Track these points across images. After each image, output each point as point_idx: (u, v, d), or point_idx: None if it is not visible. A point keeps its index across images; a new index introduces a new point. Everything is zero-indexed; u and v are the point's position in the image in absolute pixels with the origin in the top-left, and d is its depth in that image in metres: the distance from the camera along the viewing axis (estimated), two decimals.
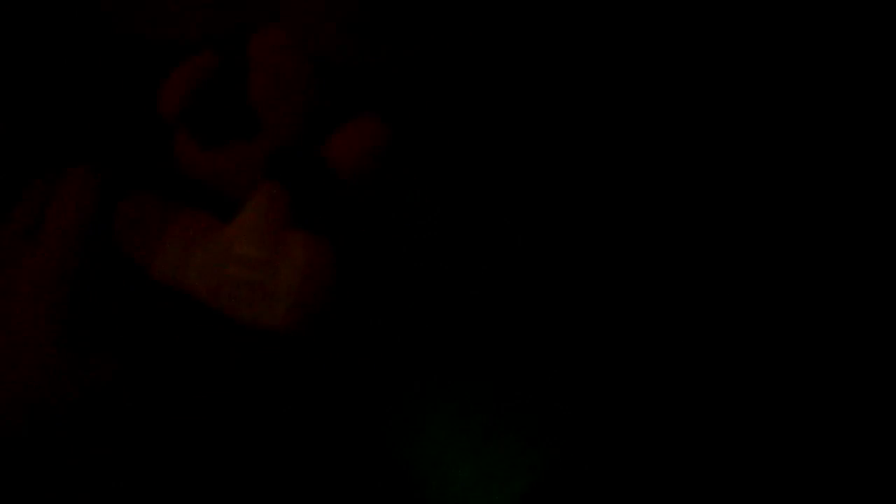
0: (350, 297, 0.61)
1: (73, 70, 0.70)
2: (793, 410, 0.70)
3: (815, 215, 0.71)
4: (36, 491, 0.57)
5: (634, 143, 0.72)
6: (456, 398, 0.67)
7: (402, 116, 0.63)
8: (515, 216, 0.70)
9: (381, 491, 0.66)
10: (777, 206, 0.71)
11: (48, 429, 0.55)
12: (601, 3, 0.71)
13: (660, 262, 0.71)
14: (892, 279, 0.70)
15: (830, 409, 0.70)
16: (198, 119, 0.62)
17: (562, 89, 0.71)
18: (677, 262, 0.71)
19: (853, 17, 0.71)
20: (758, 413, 0.70)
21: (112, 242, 0.60)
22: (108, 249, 0.60)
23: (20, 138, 0.69)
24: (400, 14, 0.62)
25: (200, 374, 0.63)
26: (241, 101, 0.62)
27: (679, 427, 0.69)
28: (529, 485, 0.67)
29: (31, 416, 0.55)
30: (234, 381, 0.64)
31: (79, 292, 0.57)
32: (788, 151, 0.71)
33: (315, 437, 0.66)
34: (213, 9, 0.66)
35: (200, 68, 0.61)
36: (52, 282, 0.56)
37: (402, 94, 0.64)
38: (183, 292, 0.60)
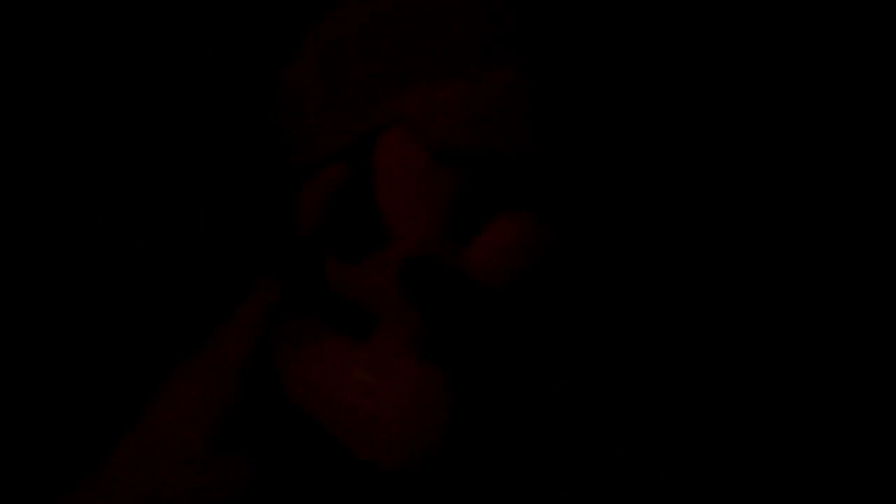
0: (466, 438, 0.57)
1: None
2: (793, 410, 0.69)
3: (815, 215, 0.71)
4: None
5: (635, 144, 0.71)
6: None
7: (557, 212, 0.60)
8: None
9: None
10: (777, 206, 0.71)
11: None
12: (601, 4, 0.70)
13: (660, 263, 0.70)
14: (893, 279, 0.70)
15: (830, 409, 0.70)
16: (336, 233, 0.60)
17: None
18: (677, 262, 0.70)
19: (853, 17, 0.70)
20: (758, 413, 0.69)
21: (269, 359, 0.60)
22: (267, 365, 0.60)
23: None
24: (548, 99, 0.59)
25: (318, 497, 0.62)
26: (372, 211, 0.60)
27: (679, 427, 0.69)
28: None
29: None
30: None
31: (238, 403, 0.58)
32: (788, 151, 0.71)
33: None
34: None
35: (331, 179, 0.60)
36: (216, 390, 0.58)
37: (557, 187, 0.61)
38: (312, 417, 0.58)
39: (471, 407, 0.57)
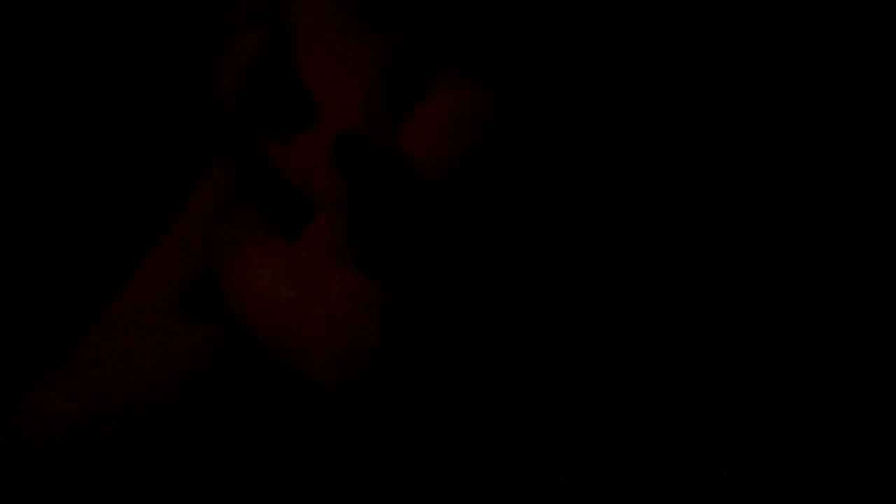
0: (402, 352, 0.53)
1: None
2: (793, 410, 0.69)
3: (815, 215, 0.70)
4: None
5: (635, 144, 0.69)
6: None
7: (502, 79, 0.55)
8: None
9: None
10: (777, 206, 0.70)
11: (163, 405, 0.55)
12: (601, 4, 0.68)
13: (660, 263, 0.69)
14: (893, 279, 0.70)
15: (830, 409, 0.69)
16: (259, 110, 0.54)
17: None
18: (678, 262, 0.69)
19: (853, 18, 0.69)
20: (758, 413, 0.68)
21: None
22: None
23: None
24: None
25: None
26: (296, 82, 0.54)
27: (681, 427, 0.67)
28: None
29: (152, 387, 0.55)
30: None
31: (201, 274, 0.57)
32: (788, 151, 0.70)
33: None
34: None
35: (247, 47, 0.54)
36: (180, 260, 0.57)
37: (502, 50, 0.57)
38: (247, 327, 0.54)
39: (406, 319, 0.53)
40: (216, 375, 0.55)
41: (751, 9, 0.69)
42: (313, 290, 0.52)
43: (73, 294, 0.69)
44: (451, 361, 0.61)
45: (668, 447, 0.66)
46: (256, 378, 0.57)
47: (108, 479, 0.55)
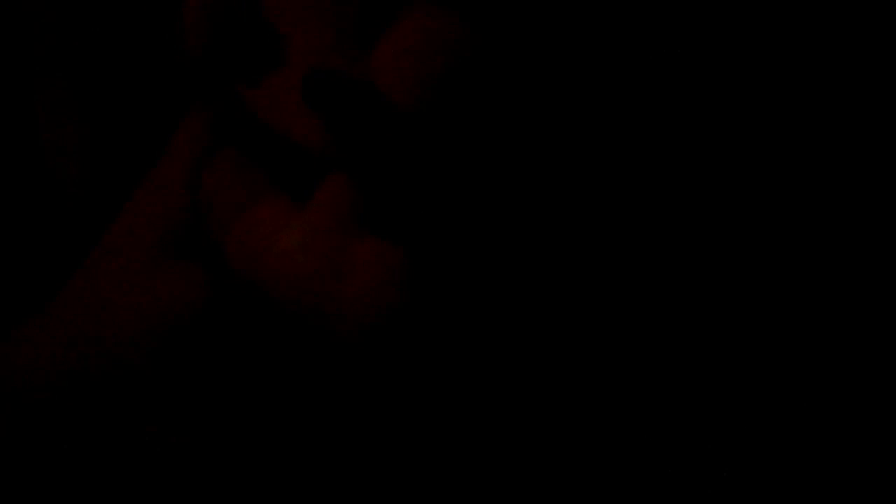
0: (424, 312, 0.53)
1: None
2: (793, 410, 0.68)
3: (815, 215, 0.70)
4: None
5: (635, 144, 0.68)
6: None
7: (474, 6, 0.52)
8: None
9: None
10: (777, 206, 0.69)
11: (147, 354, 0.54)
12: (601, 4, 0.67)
13: (660, 263, 0.68)
14: (893, 279, 0.69)
15: (830, 410, 0.68)
16: (227, 52, 0.53)
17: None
18: (678, 262, 0.68)
19: (853, 17, 0.69)
20: (758, 413, 0.68)
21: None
22: None
23: None
24: None
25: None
26: (262, 19, 0.52)
27: (680, 428, 0.67)
28: None
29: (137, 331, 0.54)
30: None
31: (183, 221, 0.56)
32: (788, 151, 0.69)
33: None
34: None
35: None
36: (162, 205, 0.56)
37: None
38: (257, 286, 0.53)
39: (427, 278, 0.53)
40: (201, 315, 0.54)
41: (750, 9, 0.69)
42: (336, 257, 0.52)
43: (60, 233, 0.69)
44: (470, 326, 0.61)
45: (667, 447, 0.66)
46: (243, 320, 0.56)
47: (95, 419, 0.55)
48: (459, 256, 0.58)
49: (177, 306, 0.54)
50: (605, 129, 0.65)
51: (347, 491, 0.61)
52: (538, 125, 0.61)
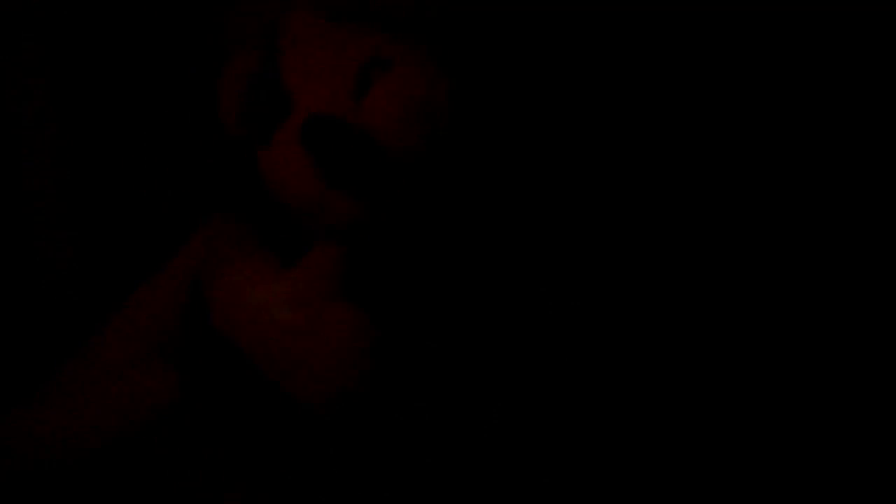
0: (392, 378, 0.57)
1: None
2: (793, 410, 0.68)
3: (815, 215, 0.70)
4: None
5: (635, 144, 0.70)
6: None
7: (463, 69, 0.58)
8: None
9: None
10: (777, 206, 0.70)
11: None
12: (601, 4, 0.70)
13: (660, 263, 0.69)
14: (893, 279, 0.69)
15: (830, 410, 0.68)
16: (254, 119, 0.59)
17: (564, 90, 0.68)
18: (678, 263, 0.69)
19: (853, 17, 0.69)
20: (758, 413, 0.68)
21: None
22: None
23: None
24: None
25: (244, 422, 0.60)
26: (281, 89, 0.59)
27: (681, 428, 0.67)
28: None
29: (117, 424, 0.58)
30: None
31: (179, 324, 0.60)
32: (788, 151, 0.70)
33: None
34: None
35: (243, 65, 0.60)
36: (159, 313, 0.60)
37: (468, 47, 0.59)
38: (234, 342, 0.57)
39: (396, 348, 0.56)
40: (166, 414, 0.58)
41: (750, 9, 0.70)
42: (312, 317, 0.55)
43: (50, 319, 0.73)
44: (436, 386, 0.61)
45: (666, 447, 0.66)
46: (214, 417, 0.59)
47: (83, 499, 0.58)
48: (429, 330, 0.59)
49: (144, 406, 0.57)
50: (586, 184, 0.67)
51: None
52: (511, 186, 0.64)
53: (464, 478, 0.61)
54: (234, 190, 0.63)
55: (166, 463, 0.58)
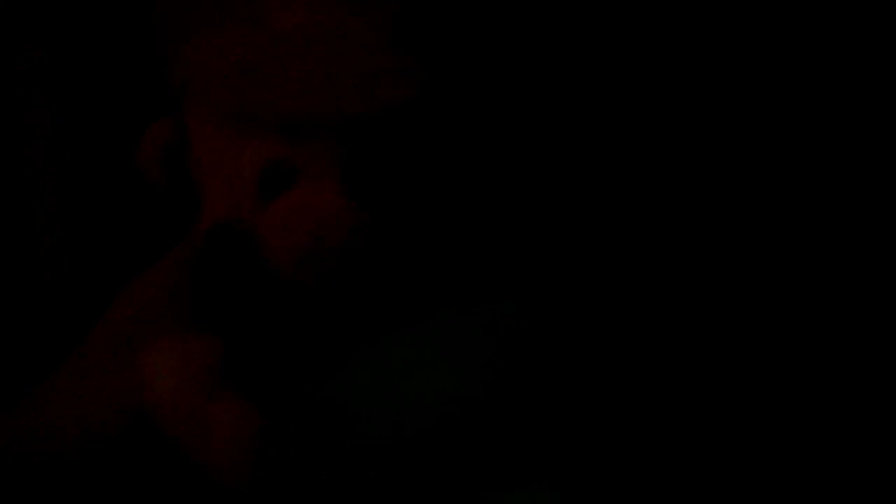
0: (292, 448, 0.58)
1: None
2: (793, 410, 0.68)
3: (815, 215, 0.69)
4: None
5: (635, 144, 0.68)
6: None
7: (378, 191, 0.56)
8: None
9: None
10: (777, 206, 0.69)
11: None
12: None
13: (660, 264, 0.68)
14: (893, 279, 0.68)
15: (830, 410, 0.68)
16: (172, 188, 0.60)
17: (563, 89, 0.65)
18: (678, 263, 0.68)
19: (853, 18, 0.67)
20: (758, 413, 0.68)
21: None
22: None
23: None
24: None
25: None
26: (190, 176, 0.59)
27: (681, 429, 0.67)
28: None
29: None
30: None
31: None
32: (788, 151, 0.69)
33: None
34: None
35: (157, 135, 0.59)
36: None
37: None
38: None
39: (282, 441, 0.57)
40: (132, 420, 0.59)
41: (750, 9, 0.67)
42: (200, 414, 0.57)
43: (43, 324, 0.76)
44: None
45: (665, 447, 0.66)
46: None
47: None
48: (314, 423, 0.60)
49: (129, 403, 0.59)
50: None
51: None
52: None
53: None
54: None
55: (156, 463, 0.61)
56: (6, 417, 0.62)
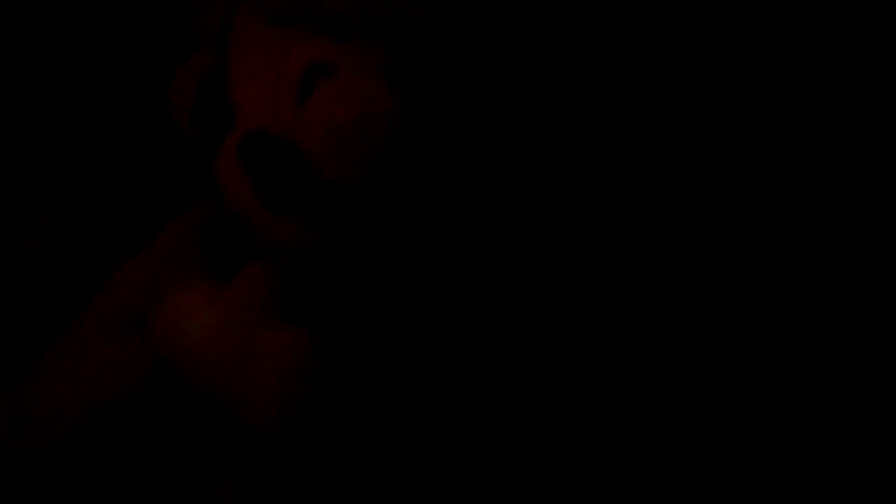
0: (342, 393, 0.55)
1: None
2: (793, 410, 0.68)
3: (815, 215, 0.69)
4: None
5: (634, 144, 0.69)
6: None
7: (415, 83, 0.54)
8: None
9: None
10: (777, 206, 0.69)
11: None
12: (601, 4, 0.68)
13: (660, 264, 0.68)
14: (893, 279, 0.68)
15: (830, 410, 0.68)
16: (207, 125, 0.58)
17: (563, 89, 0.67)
18: (677, 263, 0.68)
19: (853, 18, 0.68)
20: (758, 413, 0.68)
21: None
22: None
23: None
24: None
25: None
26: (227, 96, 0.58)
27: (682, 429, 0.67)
28: None
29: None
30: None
31: None
32: (788, 151, 0.69)
33: None
34: None
35: (197, 66, 0.58)
36: None
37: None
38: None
39: (340, 366, 0.55)
40: (140, 392, 0.57)
41: (750, 9, 0.69)
42: (246, 346, 0.53)
43: (31, 309, 0.74)
44: (384, 401, 0.60)
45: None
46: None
47: (70, 479, 0.58)
48: (369, 346, 0.58)
49: (117, 384, 0.57)
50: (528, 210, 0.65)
51: None
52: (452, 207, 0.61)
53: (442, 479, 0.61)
54: (196, 189, 0.62)
55: (150, 445, 0.58)
56: (6, 393, 0.60)
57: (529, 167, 0.65)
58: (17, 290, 0.74)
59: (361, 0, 0.55)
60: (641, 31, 0.68)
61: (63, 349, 0.60)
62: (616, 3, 0.68)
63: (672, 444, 0.66)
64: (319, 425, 0.54)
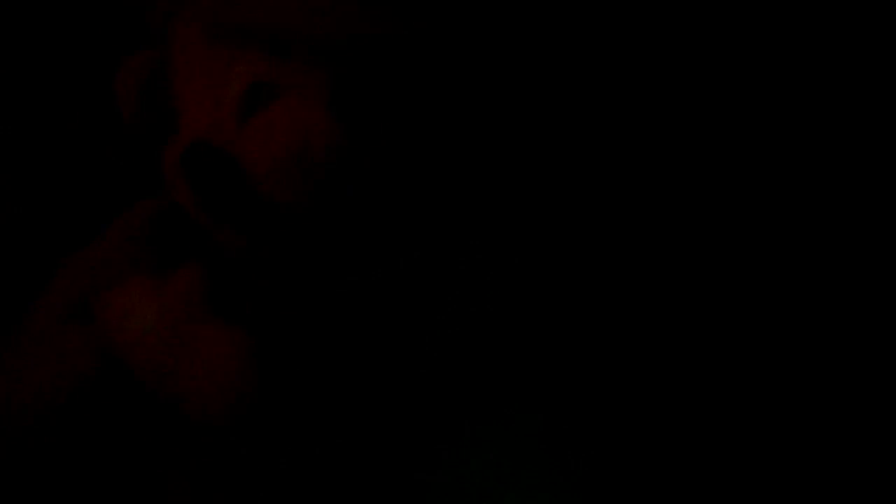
0: (278, 385, 0.56)
1: None
2: (793, 410, 0.68)
3: (815, 215, 0.69)
4: None
5: (634, 144, 0.68)
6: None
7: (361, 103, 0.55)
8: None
9: None
10: (777, 206, 0.69)
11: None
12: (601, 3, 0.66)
13: (660, 264, 0.68)
14: (893, 279, 0.68)
15: (830, 410, 0.68)
16: (149, 122, 0.58)
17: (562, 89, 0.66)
18: (677, 263, 0.68)
19: (853, 18, 0.68)
20: (758, 413, 0.68)
21: None
22: None
23: None
24: None
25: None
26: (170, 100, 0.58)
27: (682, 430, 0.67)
28: None
29: None
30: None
31: None
32: (788, 151, 0.69)
33: None
34: None
35: (138, 65, 0.59)
36: None
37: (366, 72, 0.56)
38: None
39: (276, 362, 0.56)
40: (92, 379, 0.58)
41: (750, 9, 0.68)
42: (184, 341, 0.55)
43: None
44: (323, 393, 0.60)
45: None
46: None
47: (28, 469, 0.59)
48: (305, 338, 0.59)
49: (69, 373, 0.58)
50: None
51: None
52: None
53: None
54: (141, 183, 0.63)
55: (106, 440, 0.59)
56: None
57: (495, 172, 0.66)
58: None
59: (304, 18, 0.55)
60: (638, 31, 0.69)
61: (14, 341, 0.61)
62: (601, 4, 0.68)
63: (664, 438, 0.67)
64: (261, 419, 0.55)
